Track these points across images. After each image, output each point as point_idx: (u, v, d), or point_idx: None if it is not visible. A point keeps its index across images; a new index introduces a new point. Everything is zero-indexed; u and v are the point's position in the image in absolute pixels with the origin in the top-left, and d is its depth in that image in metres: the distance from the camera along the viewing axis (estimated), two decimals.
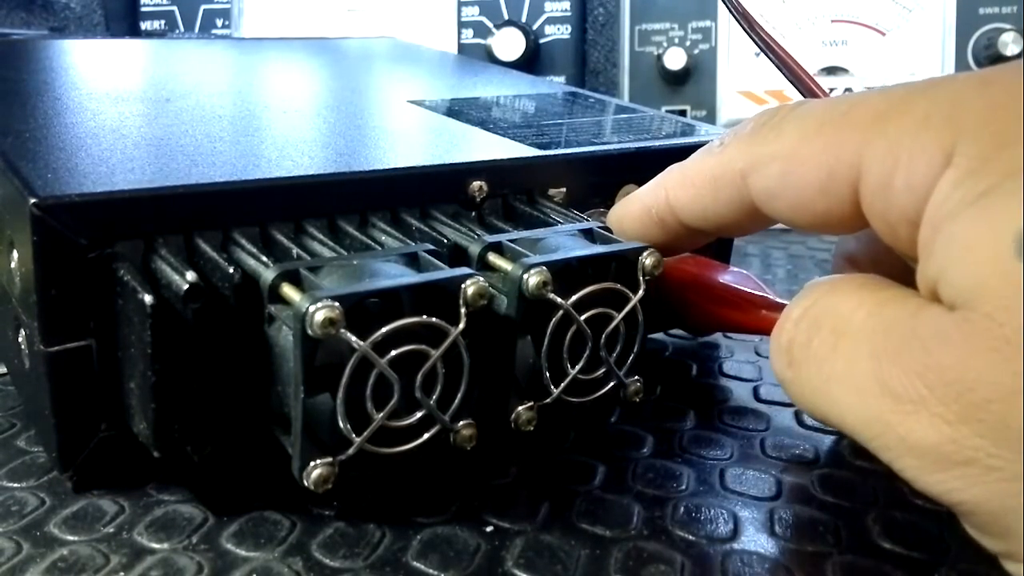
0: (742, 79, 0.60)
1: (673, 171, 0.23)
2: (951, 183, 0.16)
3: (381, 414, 0.18)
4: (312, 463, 0.18)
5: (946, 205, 0.16)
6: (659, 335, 0.32)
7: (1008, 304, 0.14)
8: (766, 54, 0.33)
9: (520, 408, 0.21)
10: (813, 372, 0.18)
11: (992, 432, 0.14)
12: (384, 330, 0.17)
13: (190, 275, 0.18)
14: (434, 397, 0.19)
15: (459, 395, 0.19)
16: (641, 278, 0.21)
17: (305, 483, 0.18)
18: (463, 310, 0.18)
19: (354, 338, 0.17)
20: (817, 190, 0.19)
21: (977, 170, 0.15)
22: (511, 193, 0.25)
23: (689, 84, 0.61)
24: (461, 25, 0.65)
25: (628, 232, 0.23)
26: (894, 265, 0.20)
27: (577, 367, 0.21)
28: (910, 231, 0.17)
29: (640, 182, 0.27)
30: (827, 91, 0.33)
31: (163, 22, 0.71)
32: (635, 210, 0.23)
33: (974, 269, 0.15)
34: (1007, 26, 0.56)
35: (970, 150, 0.16)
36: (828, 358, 0.18)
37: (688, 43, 0.61)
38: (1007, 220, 0.14)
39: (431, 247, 0.21)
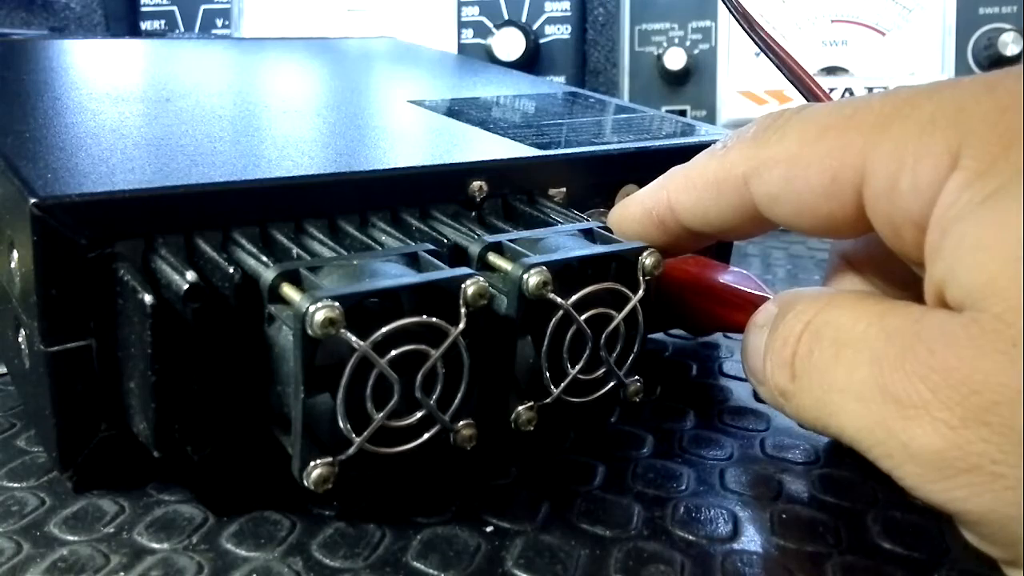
0: (742, 79, 0.60)
1: (675, 173, 0.23)
2: (959, 184, 0.16)
3: (381, 414, 0.18)
4: (312, 463, 0.18)
5: (954, 206, 0.16)
6: (659, 335, 0.32)
7: (1018, 305, 0.14)
8: (766, 54, 0.33)
9: (520, 408, 0.21)
10: (814, 383, 0.18)
11: (997, 436, 0.14)
12: (384, 330, 0.17)
13: (190, 275, 0.18)
14: (434, 397, 0.19)
15: (459, 395, 0.19)
16: (641, 278, 0.21)
17: (305, 483, 0.18)
18: (463, 310, 0.18)
19: (354, 338, 0.17)
20: (821, 194, 0.18)
21: (985, 171, 0.15)
22: (511, 193, 0.25)
23: (689, 84, 0.61)
24: (461, 25, 0.65)
25: (628, 233, 0.23)
26: (891, 264, 0.20)
27: (577, 367, 0.21)
28: (915, 234, 0.17)
29: (640, 182, 0.27)
30: (827, 91, 0.33)
31: (163, 22, 0.71)
32: (636, 211, 0.23)
33: (983, 269, 0.15)
34: (1007, 26, 0.56)
35: (977, 152, 0.15)
36: (829, 368, 0.17)
37: (688, 43, 0.61)
38: (1017, 220, 0.14)
39: (431, 247, 0.20)
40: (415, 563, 0.19)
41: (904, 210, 0.17)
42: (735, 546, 0.19)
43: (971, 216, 0.15)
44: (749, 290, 0.26)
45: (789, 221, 0.20)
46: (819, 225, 0.19)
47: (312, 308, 0.16)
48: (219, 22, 0.69)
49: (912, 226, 0.17)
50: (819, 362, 0.18)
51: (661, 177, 0.23)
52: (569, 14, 0.64)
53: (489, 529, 0.20)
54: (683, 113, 0.60)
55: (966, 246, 0.15)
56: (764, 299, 0.25)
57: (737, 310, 0.26)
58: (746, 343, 0.21)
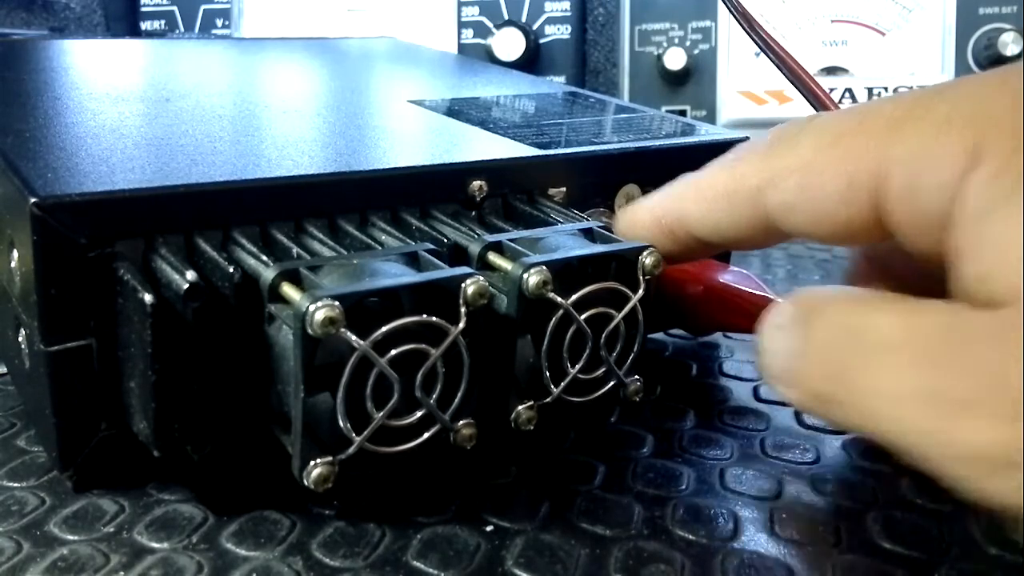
0: (742, 79, 0.60)
1: (685, 183, 0.22)
2: (982, 181, 0.16)
3: (381, 413, 0.18)
4: (312, 463, 0.18)
5: (979, 204, 0.16)
6: (659, 335, 0.32)
7: None
8: (766, 54, 0.33)
9: (520, 408, 0.21)
10: (856, 387, 0.18)
11: None
12: (384, 329, 0.17)
13: (190, 274, 0.18)
14: (434, 397, 0.19)
15: (459, 395, 0.19)
16: (641, 277, 0.21)
17: (305, 483, 0.18)
18: (463, 309, 0.18)
19: (354, 337, 0.17)
20: (837, 200, 0.18)
21: (1007, 167, 0.15)
22: (511, 193, 0.25)
23: (689, 84, 0.61)
24: (461, 25, 0.65)
25: (637, 240, 0.23)
26: (910, 264, 0.20)
27: (577, 367, 0.21)
28: (936, 235, 0.17)
29: (640, 182, 0.27)
30: (827, 91, 0.33)
31: (163, 22, 0.71)
32: (645, 219, 0.23)
33: (1017, 265, 0.15)
34: (1007, 26, 0.56)
35: (998, 147, 0.15)
36: (870, 371, 0.17)
37: (688, 43, 0.61)
38: None
39: (431, 246, 0.21)
40: (415, 562, 0.19)
41: (923, 211, 0.17)
42: (735, 546, 0.19)
43: (1000, 212, 0.15)
44: (749, 290, 0.26)
45: (806, 230, 0.20)
46: (836, 232, 0.19)
47: (312, 307, 0.16)
48: (219, 22, 0.69)
49: (933, 227, 0.17)
50: (859, 365, 0.18)
51: (670, 185, 0.23)
52: (569, 14, 0.64)
53: (489, 529, 0.20)
54: (683, 113, 0.60)
55: (998, 242, 0.15)
56: (764, 299, 0.25)
57: (737, 310, 0.26)
58: (765, 345, 0.21)
